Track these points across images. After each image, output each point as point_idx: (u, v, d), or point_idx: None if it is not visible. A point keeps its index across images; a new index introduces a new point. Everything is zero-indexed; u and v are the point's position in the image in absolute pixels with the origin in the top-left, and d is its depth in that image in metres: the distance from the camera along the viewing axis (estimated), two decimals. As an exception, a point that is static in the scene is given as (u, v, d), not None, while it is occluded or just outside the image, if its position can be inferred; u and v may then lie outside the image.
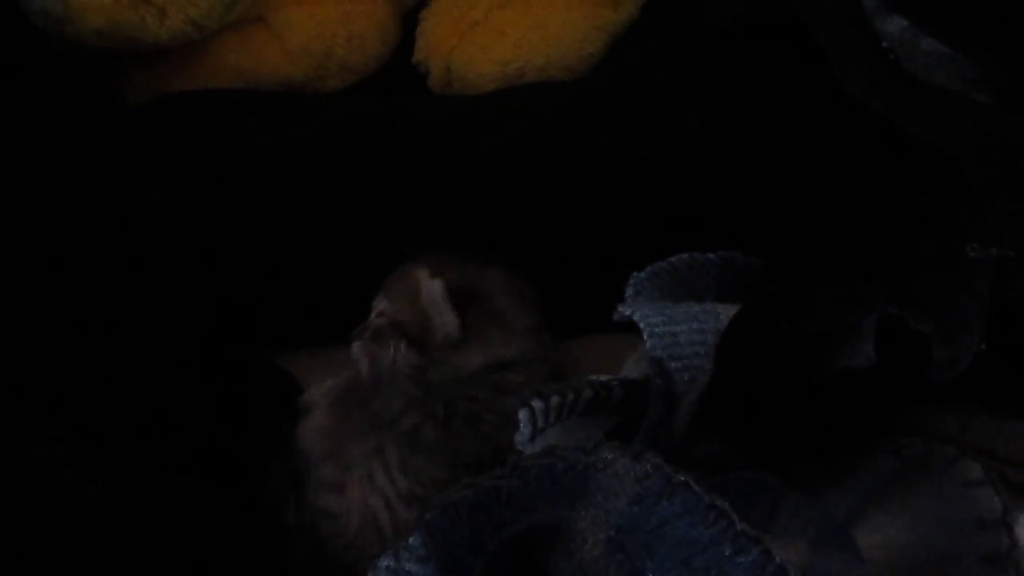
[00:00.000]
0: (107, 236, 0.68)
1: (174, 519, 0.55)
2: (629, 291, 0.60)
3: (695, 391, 0.56)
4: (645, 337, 0.54)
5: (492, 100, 0.81)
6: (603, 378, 0.56)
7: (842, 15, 0.66)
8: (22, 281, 0.64)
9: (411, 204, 0.75)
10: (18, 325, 0.63)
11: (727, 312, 0.59)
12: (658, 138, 0.75)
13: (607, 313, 0.60)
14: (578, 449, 0.48)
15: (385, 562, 0.47)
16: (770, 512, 0.54)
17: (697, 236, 0.67)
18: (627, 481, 0.47)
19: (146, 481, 0.57)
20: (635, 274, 0.61)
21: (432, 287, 0.70)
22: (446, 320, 0.70)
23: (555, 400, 0.52)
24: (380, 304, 0.71)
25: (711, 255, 0.65)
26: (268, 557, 0.63)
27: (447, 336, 0.69)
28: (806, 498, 0.54)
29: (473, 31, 0.84)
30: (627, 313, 0.56)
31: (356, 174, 0.76)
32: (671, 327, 0.55)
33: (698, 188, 0.74)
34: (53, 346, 0.64)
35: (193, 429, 0.66)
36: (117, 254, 0.69)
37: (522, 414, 0.51)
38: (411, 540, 0.47)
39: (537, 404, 0.52)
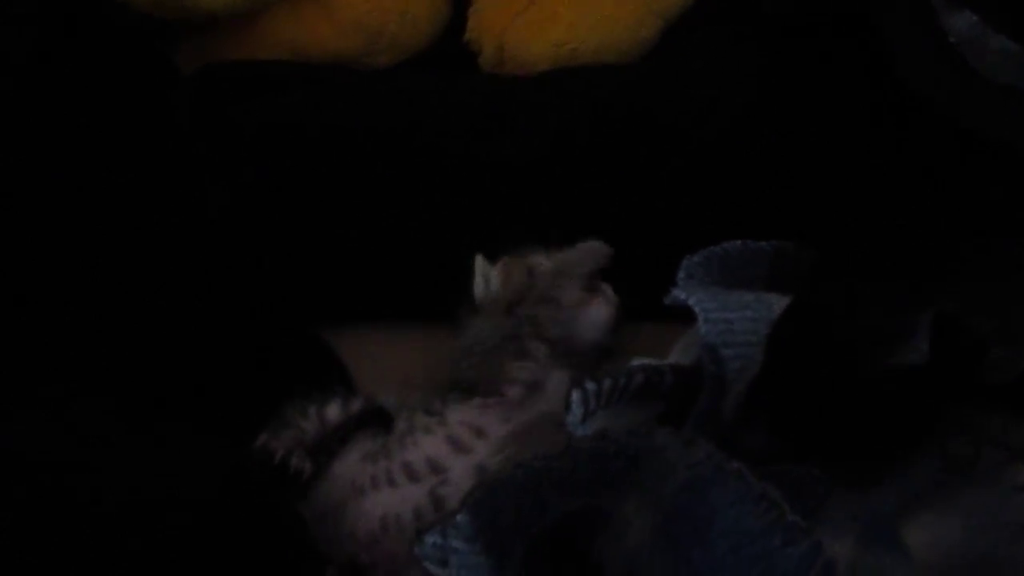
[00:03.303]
0: (153, 205, 0.69)
1: (220, 485, 0.56)
2: (681, 274, 0.59)
3: (744, 381, 0.55)
4: (700, 323, 0.54)
5: (544, 81, 0.80)
6: (654, 363, 0.55)
7: (909, 9, 0.65)
8: (66, 248, 0.64)
9: (459, 183, 0.75)
10: (65, 295, 0.63)
11: (780, 303, 0.58)
12: (711, 125, 0.74)
13: (653, 299, 0.60)
14: (630, 433, 0.48)
15: (431, 538, 0.47)
16: (815, 506, 0.53)
17: (749, 224, 0.66)
18: (678, 467, 0.47)
19: (192, 450, 0.58)
20: (688, 257, 0.60)
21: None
22: None
23: (608, 383, 0.52)
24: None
25: (764, 243, 0.64)
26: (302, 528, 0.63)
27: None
28: (852, 493, 0.54)
29: (527, 11, 0.84)
30: (682, 297, 0.55)
31: (405, 151, 0.76)
32: (725, 314, 0.55)
33: (751, 177, 0.73)
34: (101, 316, 0.64)
35: (236, 399, 0.67)
36: (164, 223, 0.69)
37: (575, 396, 0.51)
38: (458, 518, 0.47)
39: (590, 386, 0.51)
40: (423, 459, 0.61)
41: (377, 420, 0.65)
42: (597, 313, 0.68)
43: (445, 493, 0.59)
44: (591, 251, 0.69)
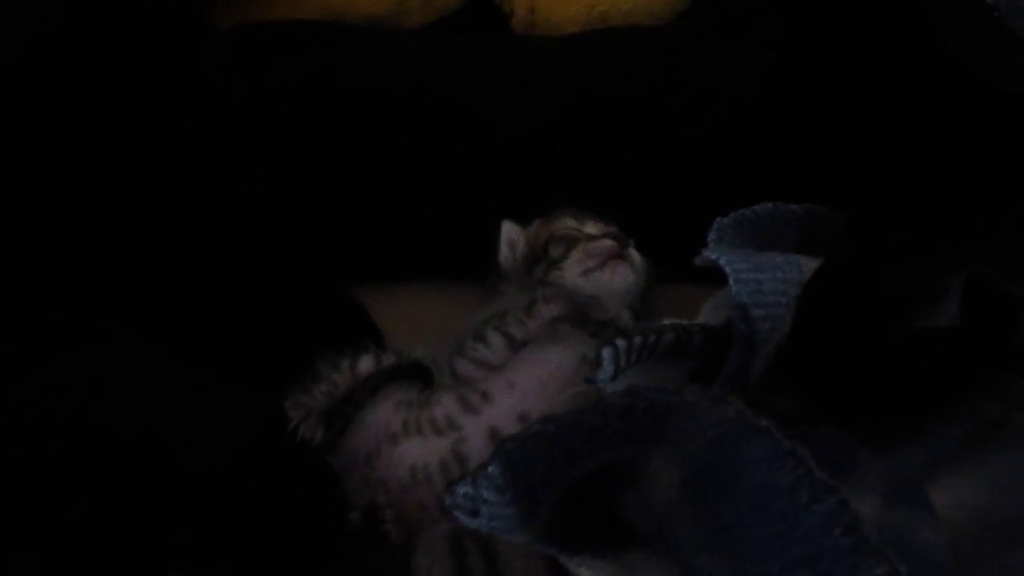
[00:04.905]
0: (186, 162, 0.69)
1: (252, 436, 0.57)
2: (712, 235, 0.60)
3: (773, 341, 0.56)
4: (731, 282, 0.54)
5: (575, 43, 0.80)
6: (684, 322, 0.56)
7: (945, -31, 0.64)
8: (100, 205, 0.65)
9: (487, 144, 0.75)
10: (100, 242, 0.64)
11: (810, 265, 0.58)
12: (741, 87, 0.74)
13: (682, 261, 0.60)
14: (660, 390, 0.48)
15: (463, 488, 0.48)
16: (843, 466, 0.53)
17: (779, 187, 0.66)
18: (707, 424, 0.47)
19: (229, 401, 0.59)
20: (718, 219, 0.61)
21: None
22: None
23: (638, 341, 0.52)
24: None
25: (794, 206, 0.64)
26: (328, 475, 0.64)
27: None
28: (880, 454, 0.54)
29: (559, -27, 0.83)
30: (713, 257, 0.56)
31: (432, 112, 0.76)
32: (756, 274, 0.55)
33: (782, 139, 0.73)
34: (139, 263, 0.65)
35: (271, 354, 0.67)
36: (197, 180, 0.69)
37: (606, 352, 0.51)
38: (490, 469, 0.48)
39: (621, 344, 0.52)
40: (444, 415, 0.62)
41: (412, 373, 0.66)
42: (622, 277, 0.68)
43: (464, 450, 0.60)
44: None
